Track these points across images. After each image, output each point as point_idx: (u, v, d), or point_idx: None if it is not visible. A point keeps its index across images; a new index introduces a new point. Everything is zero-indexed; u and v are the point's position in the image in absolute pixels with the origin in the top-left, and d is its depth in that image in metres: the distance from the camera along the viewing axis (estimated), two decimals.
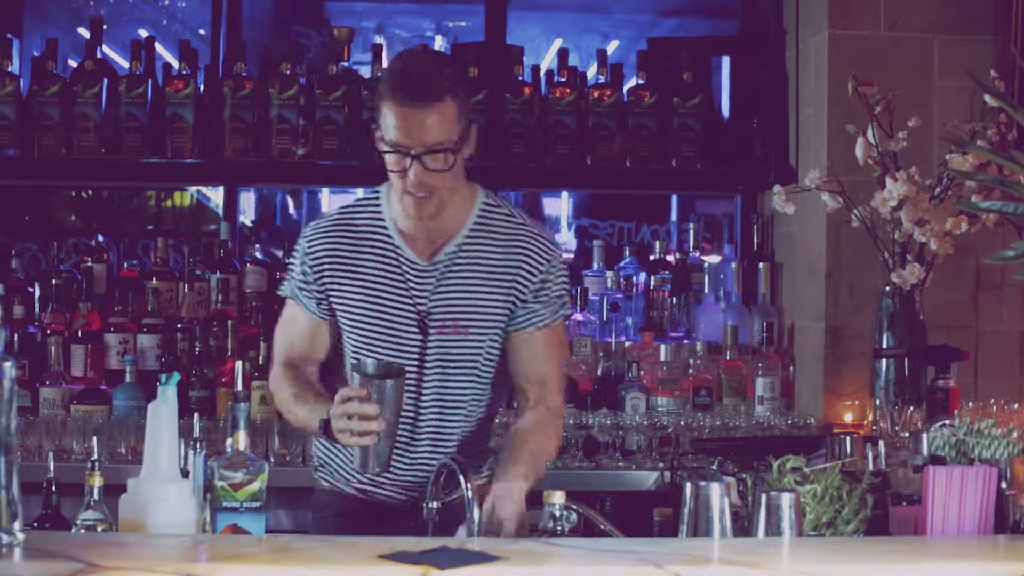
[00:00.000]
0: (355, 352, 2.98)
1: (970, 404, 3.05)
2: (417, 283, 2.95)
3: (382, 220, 2.99)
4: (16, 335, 4.34)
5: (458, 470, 2.59)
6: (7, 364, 2.12)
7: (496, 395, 3.09)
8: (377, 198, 3.02)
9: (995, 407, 3.01)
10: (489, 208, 3.01)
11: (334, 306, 3.00)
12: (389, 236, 2.98)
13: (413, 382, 2.95)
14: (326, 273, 2.99)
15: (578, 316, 4.59)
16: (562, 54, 4.79)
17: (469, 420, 3.03)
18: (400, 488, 3.01)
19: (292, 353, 3.04)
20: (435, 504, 2.71)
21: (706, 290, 4.73)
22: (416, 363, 2.95)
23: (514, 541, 2.25)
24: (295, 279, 3.03)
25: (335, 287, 2.99)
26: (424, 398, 2.97)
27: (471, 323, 2.96)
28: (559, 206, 5.54)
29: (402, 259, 2.96)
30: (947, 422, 3.11)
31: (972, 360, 4.09)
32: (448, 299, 2.95)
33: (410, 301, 2.95)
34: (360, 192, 3.12)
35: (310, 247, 3.01)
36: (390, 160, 2.85)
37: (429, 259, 2.96)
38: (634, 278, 4.78)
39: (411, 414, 2.95)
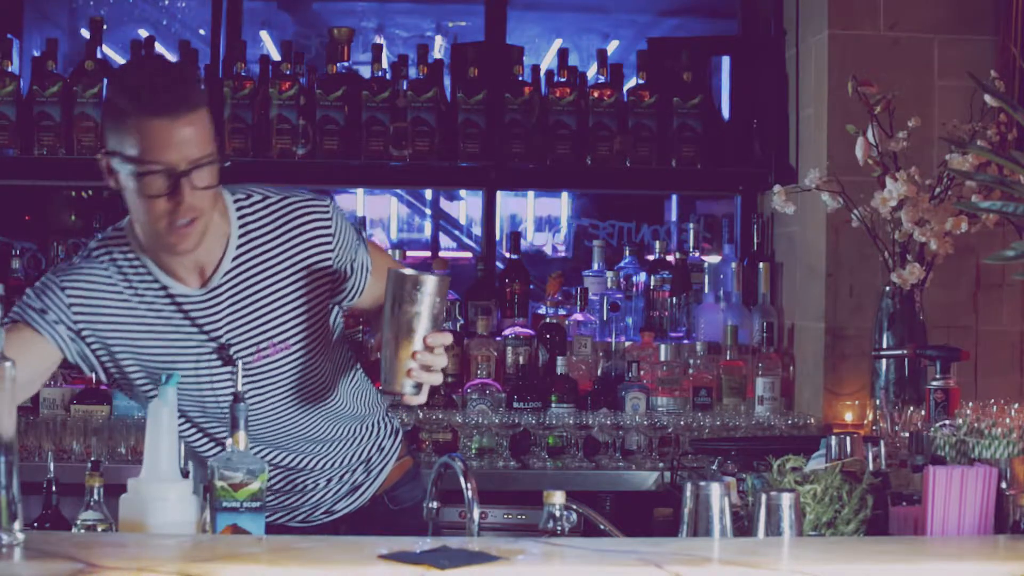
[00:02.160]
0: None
1: (970, 404, 3.05)
2: (203, 316, 2.63)
3: (137, 260, 2.62)
4: None
5: (459, 470, 2.59)
6: (7, 364, 2.12)
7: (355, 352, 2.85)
8: (123, 238, 2.63)
9: (995, 407, 3.01)
10: (244, 206, 2.66)
11: (121, 373, 2.67)
12: (151, 276, 2.62)
13: (256, 416, 2.69)
14: (99, 337, 2.63)
15: (578, 316, 4.59)
16: (562, 54, 4.79)
17: (345, 409, 2.82)
18: (312, 517, 2.91)
19: None
20: (435, 504, 2.71)
21: (706, 290, 4.73)
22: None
23: (514, 541, 2.25)
24: (37, 314, 2.63)
25: (115, 351, 2.64)
26: (282, 425, 2.74)
27: (288, 333, 2.66)
28: (559, 206, 5.55)
29: (176, 297, 2.62)
30: (947, 422, 3.11)
31: (972, 360, 4.09)
32: (247, 320, 2.64)
33: (204, 337, 2.63)
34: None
35: (72, 302, 2.62)
36: (146, 185, 2.45)
37: (205, 286, 2.62)
38: (634, 278, 4.78)
39: (280, 452, 2.78)
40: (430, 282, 2.45)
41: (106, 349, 2.65)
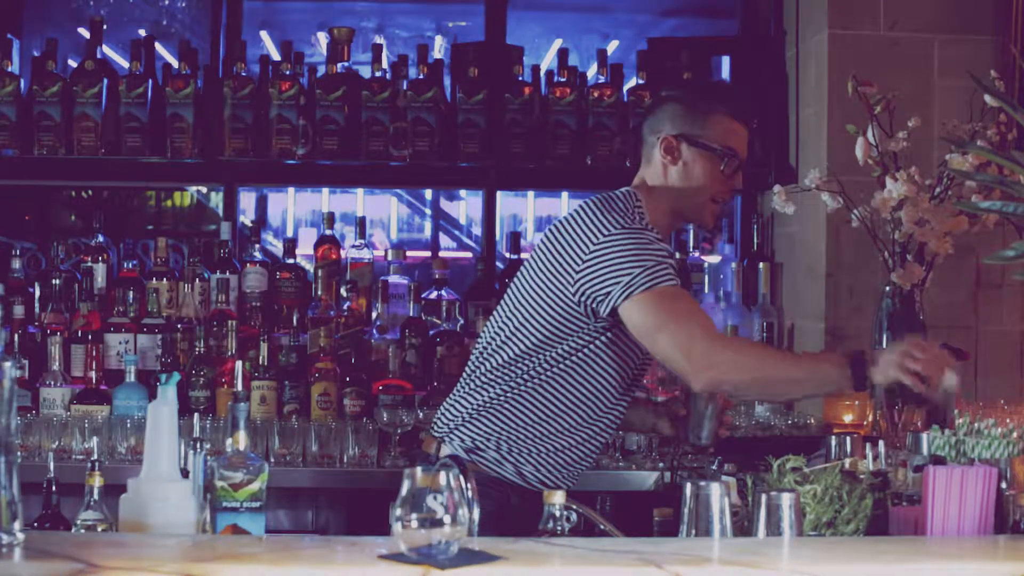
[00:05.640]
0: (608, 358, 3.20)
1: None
2: None
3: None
4: (16, 335, 4.34)
5: (456, 467, 2.59)
6: (7, 364, 2.12)
7: None
8: (640, 206, 3.20)
9: (995, 407, 3.01)
10: None
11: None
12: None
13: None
14: None
15: None
16: (562, 54, 4.79)
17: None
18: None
19: None
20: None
21: (706, 290, 4.73)
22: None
23: (514, 541, 2.25)
24: (672, 269, 3.10)
25: None
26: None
27: None
28: (559, 206, 5.55)
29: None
30: None
31: (972, 360, 4.09)
32: None
33: None
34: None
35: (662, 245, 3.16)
36: (724, 167, 3.21)
37: None
38: None
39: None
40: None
41: None
